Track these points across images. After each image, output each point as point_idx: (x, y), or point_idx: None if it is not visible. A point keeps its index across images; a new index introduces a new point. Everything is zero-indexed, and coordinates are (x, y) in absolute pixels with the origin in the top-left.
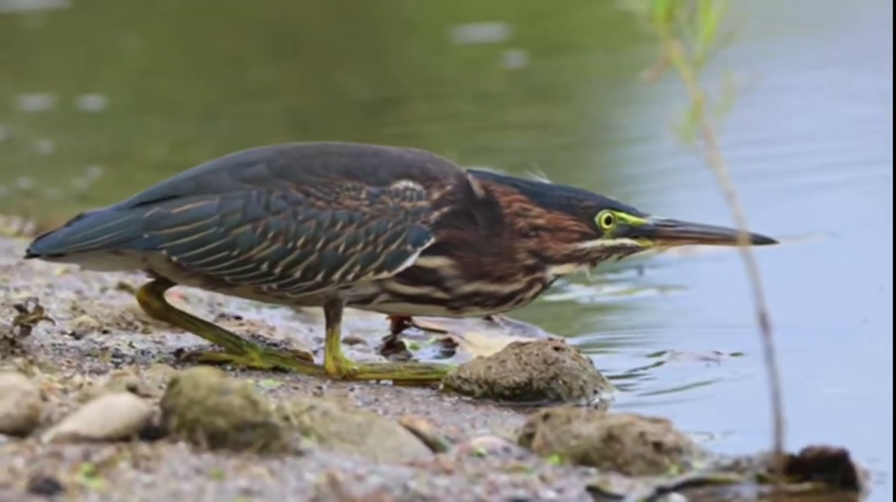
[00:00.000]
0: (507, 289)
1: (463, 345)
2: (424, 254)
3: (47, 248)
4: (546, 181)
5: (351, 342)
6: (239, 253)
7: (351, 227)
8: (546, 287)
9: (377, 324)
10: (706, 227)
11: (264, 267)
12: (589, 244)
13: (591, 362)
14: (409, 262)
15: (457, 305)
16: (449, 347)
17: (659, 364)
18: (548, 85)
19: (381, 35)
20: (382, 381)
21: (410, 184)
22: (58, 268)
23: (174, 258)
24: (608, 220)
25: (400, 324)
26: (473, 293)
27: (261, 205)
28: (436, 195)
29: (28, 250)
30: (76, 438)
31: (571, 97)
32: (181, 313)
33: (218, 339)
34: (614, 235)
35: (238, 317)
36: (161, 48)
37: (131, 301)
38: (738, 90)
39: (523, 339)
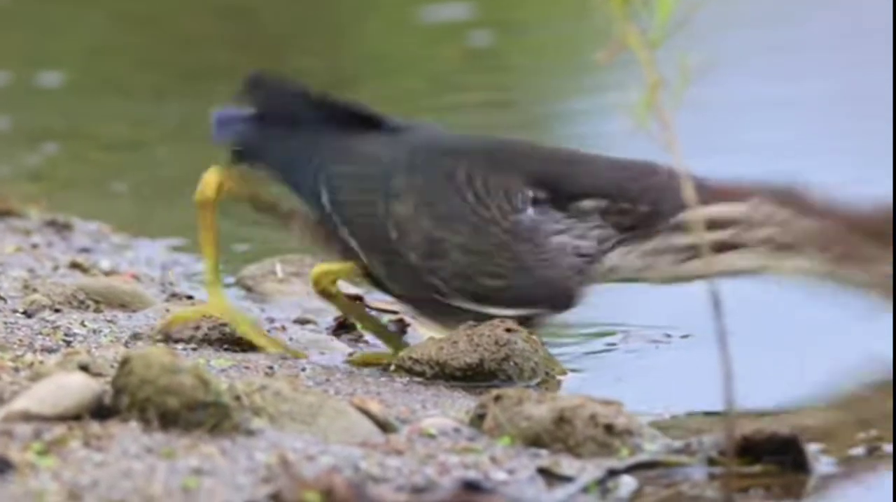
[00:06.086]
0: None
1: (415, 326)
2: None
3: None
4: None
5: (303, 322)
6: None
7: None
8: None
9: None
10: None
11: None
12: None
13: (542, 343)
14: None
15: None
16: (401, 327)
17: (610, 345)
18: (506, 64)
19: (340, 15)
20: (334, 362)
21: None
22: (10, 246)
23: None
24: None
25: None
26: None
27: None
28: None
29: None
30: (27, 416)
31: (527, 76)
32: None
33: (377, 329)
34: None
35: (190, 297)
36: (119, 27)
37: (83, 280)
38: (693, 72)
39: None
